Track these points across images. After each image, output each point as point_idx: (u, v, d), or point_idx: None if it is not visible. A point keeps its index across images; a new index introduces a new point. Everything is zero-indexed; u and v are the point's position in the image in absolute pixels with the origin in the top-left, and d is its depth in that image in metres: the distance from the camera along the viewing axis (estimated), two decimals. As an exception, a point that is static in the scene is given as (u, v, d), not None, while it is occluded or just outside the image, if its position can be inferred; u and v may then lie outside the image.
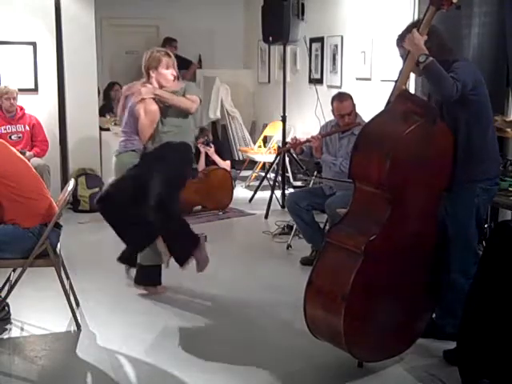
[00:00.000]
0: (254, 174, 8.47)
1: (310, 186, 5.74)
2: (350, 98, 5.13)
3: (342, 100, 5.11)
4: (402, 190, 3.25)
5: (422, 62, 3.28)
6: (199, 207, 6.94)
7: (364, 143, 3.37)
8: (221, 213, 6.92)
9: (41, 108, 7.01)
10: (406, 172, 3.25)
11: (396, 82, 3.48)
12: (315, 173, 5.65)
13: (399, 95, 3.42)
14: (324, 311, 3.32)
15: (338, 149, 5.16)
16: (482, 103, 3.51)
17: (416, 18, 5.52)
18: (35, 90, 7.04)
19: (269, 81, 9.28)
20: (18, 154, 4.07)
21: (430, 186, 3.37)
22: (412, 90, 5.57)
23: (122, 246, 4.38)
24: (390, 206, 3.21)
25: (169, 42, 9.03)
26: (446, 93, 3.31)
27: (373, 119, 3.45)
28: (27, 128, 6.68)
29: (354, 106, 5.12)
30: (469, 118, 3.47)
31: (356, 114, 5.14)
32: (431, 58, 3.27)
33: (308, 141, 5.20)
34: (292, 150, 6.53)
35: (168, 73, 4.34)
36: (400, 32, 3.57)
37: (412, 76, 5.19)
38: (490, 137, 3.60)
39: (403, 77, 3.47)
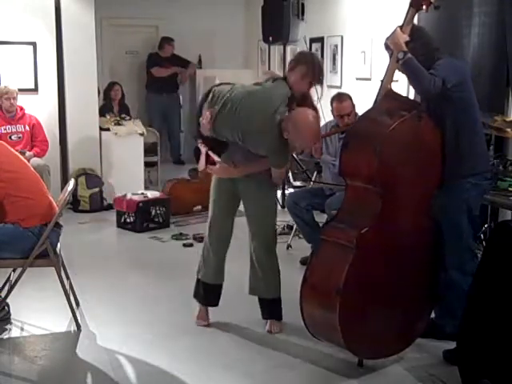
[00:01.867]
0: (254, 174, 8.44)
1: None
2: (350, 98, 5.12)
3: (341, 100, 5.10)
4: (393, 185, 3.29)
5: (401, 59, 3.40)
6: (199, 207, 6.92)
7: (352, 141, 3.43)
8: (221, 213, 6.91)
9: (41, 108, 7.00)
10: (395, 166, 3.29)
11: (382, 81, 3.56)
12: (315, 173, 5.64)
13: (385, 95, 3.51)
14: (320, 307, 3.33)
15: (337, 149, 5.14)
16: (467, 100, 3.58)
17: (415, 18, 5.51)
18: (35, 90, 7.03)
19: (269, 81, 9.26)
20: (17, 153, 4.07)
21: (421, 181, 3.40)
22: (412, 91, 5.56)
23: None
24: (381, 200, 3.25)
25: (167, 41, 9.07)
26: (424, 88, 3.42)
27: (360, 118, 3.54)
28: (27, 128, 6.67)
29: (353, 106, 5.12)
30: (456, 115, 3.53)
31: (356, 115, 5.12)
32: (409, 55, 3.39)
33: (308, 141, 5.18)
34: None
35: (297, 82, 3.91)
36: (387, 36, 3.63)
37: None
38: (477, 133, 3.65)
39: (388, 77, 3.55)
